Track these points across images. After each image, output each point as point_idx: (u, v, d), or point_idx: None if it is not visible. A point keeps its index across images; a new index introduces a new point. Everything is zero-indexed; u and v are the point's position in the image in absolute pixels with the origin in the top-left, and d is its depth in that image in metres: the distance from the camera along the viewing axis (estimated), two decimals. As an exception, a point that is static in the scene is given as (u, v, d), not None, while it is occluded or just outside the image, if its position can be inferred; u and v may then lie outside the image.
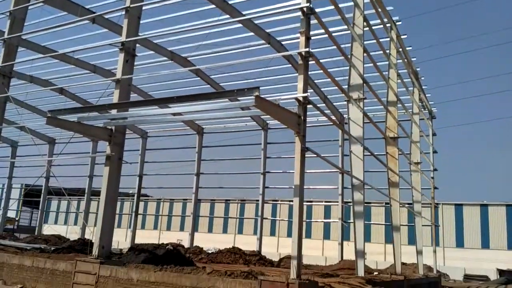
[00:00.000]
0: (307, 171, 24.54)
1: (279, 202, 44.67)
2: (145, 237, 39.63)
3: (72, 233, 43.19)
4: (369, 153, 17.54)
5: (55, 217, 61.62)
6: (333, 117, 25.06)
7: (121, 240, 45.43)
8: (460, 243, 46.13)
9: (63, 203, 59.84)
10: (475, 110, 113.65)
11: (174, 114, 14.72)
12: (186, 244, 29.90)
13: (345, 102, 17.09)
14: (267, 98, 10.49)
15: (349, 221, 27.32)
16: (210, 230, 54.59)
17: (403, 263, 22.92)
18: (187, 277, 12.29)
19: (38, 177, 29.91)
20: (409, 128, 24.10)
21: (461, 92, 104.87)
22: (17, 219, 58.85)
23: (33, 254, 17.50)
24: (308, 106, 12.27)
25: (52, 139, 35.82)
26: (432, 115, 29.34)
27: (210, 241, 46.44)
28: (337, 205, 27.86)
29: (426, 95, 27.00)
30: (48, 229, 44.76)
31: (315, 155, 13.03)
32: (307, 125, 12.16)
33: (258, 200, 30.03)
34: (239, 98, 16.67)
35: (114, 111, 14.90)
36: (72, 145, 35.14)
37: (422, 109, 26.78)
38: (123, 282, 13.23)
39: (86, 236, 25.51)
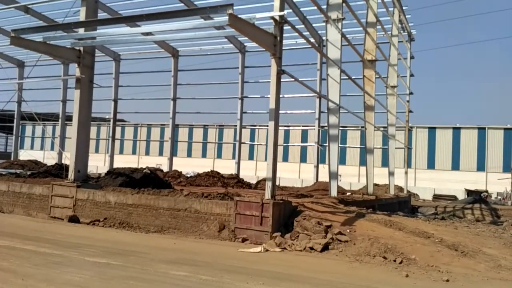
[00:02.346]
0: (285, 95, 24.41)
1: (257, 127, 44.84)
2: (124, 162, 39.68)
3: (49, 158, 42.96)
4: (346, 77, 17.40)
5: (31, 142, 60.93)
6: (312, 40, 24.49)
7: (100, 165, 45.56)
8: (431, 164, 47.92)
9: (38, 128, 58.94)
10: (456, 33, 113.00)
11: (145, 34, 14.05)
12: (166, 168, 30.17)
13: (324, 24, 16.59)
14: (242, 17, 9.99)
15: (325, 144, 27.78)
16: (189, 154, 55.02)
17: (375, 184, 23.80)
18: (164, 199, 12.50)
19: (7, 102, 29.01)
20: (387, 51, 23.82)
21: (442, 14, 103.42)
22: (-9, 145, 58.01)
23: (8, 178, 17.39)
24: (285, 27, 11.87)
25: (21, 62, 34.34)
26: (411, 37, 28.96)
27: (190, 165, 47.01)
28: (314, 129, 28.15)
29: (406, 16, 26.43)
30: (25, 155, 44.33)
31: (293, 79, 12.85)
32: (284, 47, 11.85)
33: (236, 125, 30.04)
34: (212, 17, 15.98)
35: (81, 31, 14.14)
36: (44, 69, 33.88)
37: (402, 31, 26.34)
38: (101, 205, 13.39)
39: (63, 161, 25.38)
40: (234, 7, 9.31)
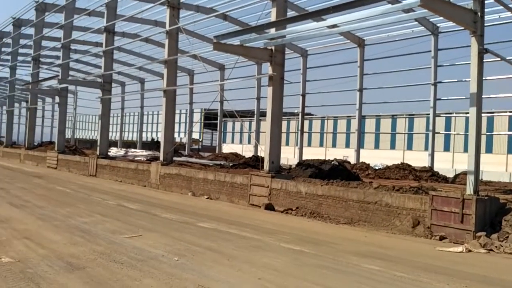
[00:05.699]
0: (487, 77, 21.65)
1: (454, 115, 40.90)
2: (312, 154, 40.90)
3: (247, 151, 47.10)
4: None
5: (231, 137, 67.81)
6: (521, 11, 21.09)
7: (290, 157, 48.04)
8: None
9: (237, 124, 65.20)
10: None
11: (331, 27, 14.13)
12: (352, 160, 29.99)
13: (538, -10, 14.13)
14: (435, -5, 9.17)
15: (540, 132, 23.69)
16: (376, 146, 53.61)
17: None
18: (353, 191, 12.40)
19: (212, 102, 32.98)
20: None
21: None
22: (200, 139, 66.63)
23: (215, 169, 19.67)
24: (487, 1, 10.57)
25: (221, 65, 38.42)
26: None
27: (377, 157, 45.74)
28: (525, 114, 24.29)
29: None
30: (227, 148, 49.67)
31: (498, 59, 11.37)
32: (485, 23, 10.56)
33: (428, 114, 27.96)
34: (400, 0, 15.11)
35: (272, 31, 15.00)
36: (240, 70, 37.19)
37: None
38: (292, 195, 14.06)
39: (259, 154, 27.49)
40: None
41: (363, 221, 11.75)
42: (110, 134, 31.41)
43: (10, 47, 39.89)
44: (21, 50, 40.19)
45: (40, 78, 36.85)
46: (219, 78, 37.05)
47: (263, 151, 15.99)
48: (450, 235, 9.90)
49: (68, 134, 56.93)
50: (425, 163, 27.29)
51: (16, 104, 52.95)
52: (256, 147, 35.65)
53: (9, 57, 41.52)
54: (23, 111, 57.32)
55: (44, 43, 35.93)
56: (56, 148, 31.04)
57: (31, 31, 35.57)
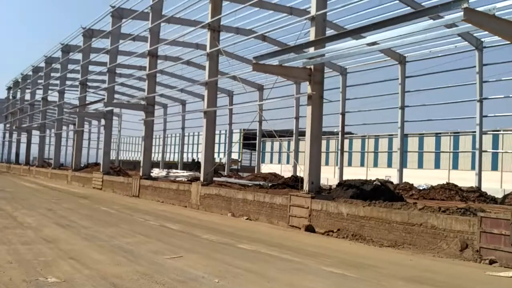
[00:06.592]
0: (537, 93, 20.55)
1: (501, 132, 39.28)
2: (352, 173, 40.16)
3: (285, 171, 46.90)
4: None
5: (270, 157, 67.80)
6: None
7: (329, 177, 47.40)
8: None
9: (275, 144, 65.21)
10: None
11: (370, 44, 13.98)
12: (395, 180, 29.20)
13: None
14: (478, 9, 8.90)
15: None
16: (420, 166, 52.02)
17: None
18: (397, 213, 12.01)
19: (251, 122, 33.28)
20: None
21: None
22: (239, 160, 67.00)
23: (254, 189, 19.63)
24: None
25: (260, 85, 38.75)
26: None
27: (421, 177, 44.31)
28: None
29: None
30: (265, 168, 49.63)
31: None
32: (535, 36, 10.08)
33: (474, 131, 26.96)
34: (443, 15, 14.77)
35: (311, 50, 15.01)
36: (279, 90, 37.31)
37: None
38: (333, 216, 13.78)
39: (298, 174, 27.27)
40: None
41: (408, 244, 11.32)
42: (152, 155, 32.10)
43: (59, 72, 41.91)
44: (69, 75, 42.16)
45: (87, 102, 38.42)
46: (258, 98, 37.34)
47: (302, 171, 15.83)
48: (501, 258, 9.37)
49: (113, 155, 58.65)
50: (472, 183, 26.20)
51: (64, 127, 55.22)
52: (295, 167, 35.41)
53: (57, 82, 43.57)
54: (71, 133, 59.81)
55: (91, 67, 37.52)
56: (101, 170, 31.97)
57: (78, 56, 37.35)
